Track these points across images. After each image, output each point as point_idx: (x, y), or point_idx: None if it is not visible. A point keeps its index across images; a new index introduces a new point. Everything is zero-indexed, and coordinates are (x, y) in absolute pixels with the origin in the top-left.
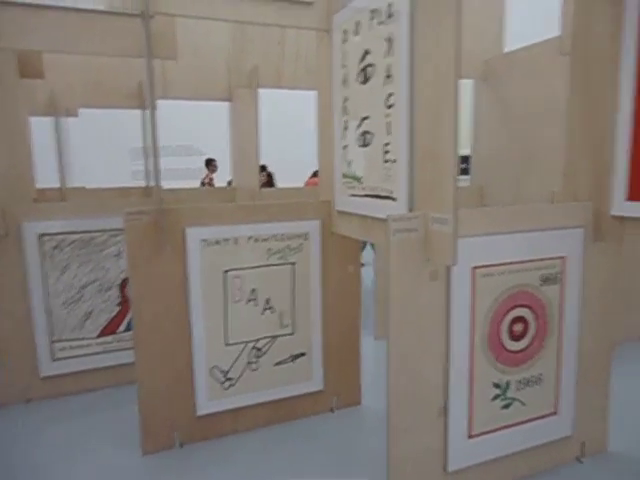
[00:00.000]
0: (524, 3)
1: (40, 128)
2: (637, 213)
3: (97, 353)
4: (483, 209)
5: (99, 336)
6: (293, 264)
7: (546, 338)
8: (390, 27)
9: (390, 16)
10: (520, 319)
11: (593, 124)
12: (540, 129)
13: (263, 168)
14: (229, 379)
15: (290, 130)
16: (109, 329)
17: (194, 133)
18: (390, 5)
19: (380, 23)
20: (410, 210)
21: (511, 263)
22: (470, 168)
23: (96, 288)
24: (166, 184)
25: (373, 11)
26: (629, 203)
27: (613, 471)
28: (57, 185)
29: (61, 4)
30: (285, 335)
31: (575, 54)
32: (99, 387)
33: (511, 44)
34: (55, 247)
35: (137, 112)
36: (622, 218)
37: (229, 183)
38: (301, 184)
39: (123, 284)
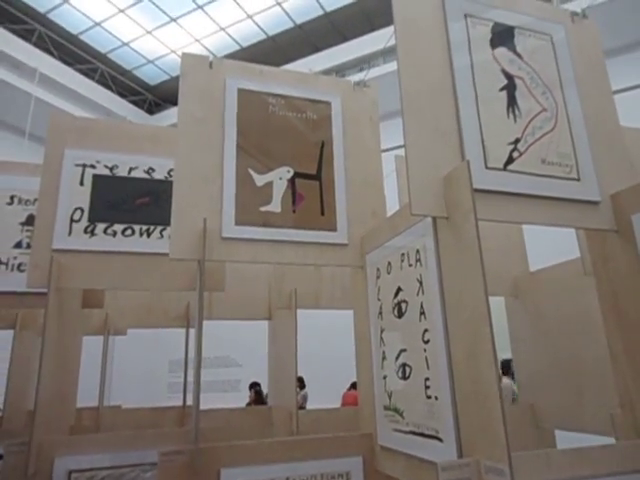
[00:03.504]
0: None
1: (86, 345)
2: None
3: None
4: (542, 452)
5: None
6: None
7: None
8: (419, 269)
9: (418, 260)
10: None
11: (636, 346)
12: (582, 345)
13: (252, 386)
14: None
15: (327, 341)
16: None
17: (231, 344)
18: (418, 251)
19: (410, 265)
20: (459, 454)
21: None
22: (516, 381)
23: None
24: (201, 398)
25: (402, 254)
26: None
27: None
28: (95, 403)
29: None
30: None
31: (598, 279)
32: None
33: (535, 264)
34: None
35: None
36: None
37: (266, 397)
38: (338, 397)
39: None
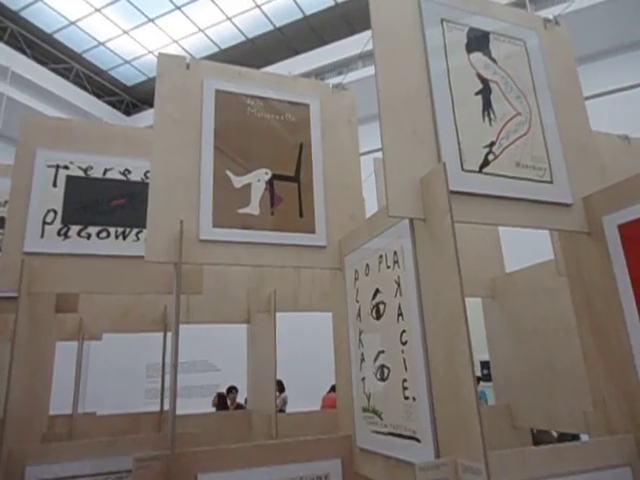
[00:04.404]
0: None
1: (60, 350)
2: None
3: None
4: (518, 451)
5: None
6: None
7: None
8: (397, 271)
9: (396, 262)
10: None
11: (608, 346)
12: (556, 345)
13: (229, 390)
14: None
15: (307, 343)
16: None
17: (209, 348)
18: (395, 253)
19: (388, 267)
20: (437, 454)
21: None
22: (493, 382)
23: None
24: (180, 403)
25: (380, 256)
26: None
27: None
28: (69, 411)
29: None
30: None
31: (571, 280)
32: None
33: (511, 265)
34: None
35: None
36: None
37: (245, 402)
38: (318, 400)
39: None
